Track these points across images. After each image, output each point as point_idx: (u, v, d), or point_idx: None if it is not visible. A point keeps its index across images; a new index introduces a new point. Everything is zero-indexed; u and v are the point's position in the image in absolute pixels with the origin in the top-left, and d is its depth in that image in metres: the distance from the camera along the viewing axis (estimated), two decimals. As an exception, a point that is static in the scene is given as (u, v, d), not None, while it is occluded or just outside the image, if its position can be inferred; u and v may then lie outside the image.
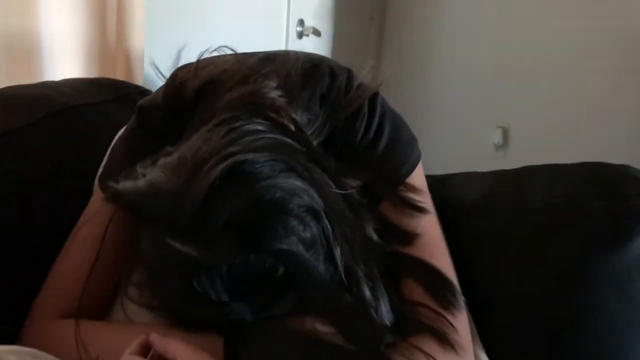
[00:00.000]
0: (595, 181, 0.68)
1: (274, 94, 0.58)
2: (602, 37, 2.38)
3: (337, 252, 0.51)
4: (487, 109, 2.64)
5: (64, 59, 1.02)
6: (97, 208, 0.65)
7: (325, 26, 2.25)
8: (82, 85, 0.91)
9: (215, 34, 1.53)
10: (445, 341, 0.56)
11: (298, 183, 0.49)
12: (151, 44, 1.15)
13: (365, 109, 0.64)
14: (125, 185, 0.51)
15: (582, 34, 2.40)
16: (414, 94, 2.79)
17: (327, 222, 0.50)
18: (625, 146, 2.47)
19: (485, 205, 0.72)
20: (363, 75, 0.66)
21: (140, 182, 0.50)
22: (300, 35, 2.04)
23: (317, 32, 2.06)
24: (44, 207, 0.70)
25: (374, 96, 0.65)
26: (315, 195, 0.50)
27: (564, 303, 0.64)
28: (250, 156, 0.48)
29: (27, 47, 0.98)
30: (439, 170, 2.64)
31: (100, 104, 0.87)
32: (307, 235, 0.49)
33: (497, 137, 2.62)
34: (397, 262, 0.60)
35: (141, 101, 0.68)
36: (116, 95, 0.91)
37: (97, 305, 0.64)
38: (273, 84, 0.59)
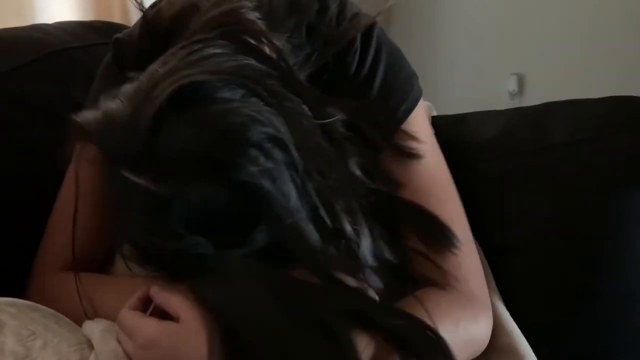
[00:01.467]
0: (621, 115, 0.64)
1: (253, 15, 0.52)
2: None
3: (309, 185, 0.46)
4: (501, 56, 2.57)
5: (58, 1, 0.97)
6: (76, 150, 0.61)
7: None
8: (75, 28, 0.88)
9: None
10: (444, 287, 0.54)
11: (261, 109, 0.45)
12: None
13: (358, 43, 0.59)
14: (84, 116, 0.47)
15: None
16: (426, 42, 2.72)
17: (296, 153, 0.46)
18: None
19: (502, 143, 0.67)
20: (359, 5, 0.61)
21: (98, 112, 0.47)
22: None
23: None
24: (38, 153, 0.68)
25: (370, 28, 0.60)
26: (282, 124, 0.46)
27: (589, 247, 0.60)
28: (206, 77, 0.45)
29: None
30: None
31: (93, 47, 0.83)
32: (271, 166, 0.44)
33: (512, 85, 2.56)
34: (384, 202, 0.55)
35: (118, 34, 0.65)
36: (110, 38, 0.87)
37: (95, 256, 0.61)
38: (252, 4, 0.54)
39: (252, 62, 0.48)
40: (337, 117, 0.51)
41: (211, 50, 0.47)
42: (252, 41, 0.51)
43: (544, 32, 2.46)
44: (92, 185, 0.57)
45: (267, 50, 0.52)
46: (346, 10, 0.60)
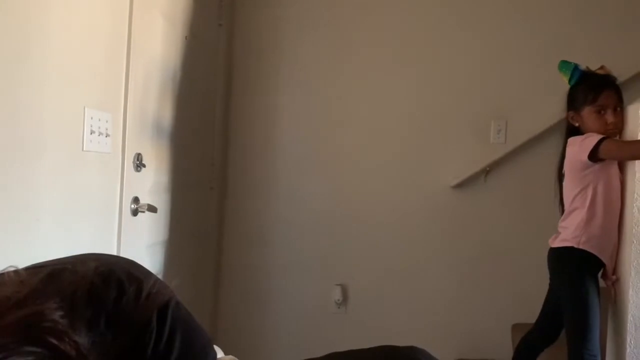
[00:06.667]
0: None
1: (56, 315, 0.56)
2: (414, 199, 2.73)
3: None
4: (326, 268, 2.80)
5: None
6: None
7: (162, 201, 2.29)
8: None
9: (42, 220, 1.49)
10: None
11: None
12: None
13: (154, 322, 0.62)
14: None
15: (402, 198, 2.74)
16: (258, 260, 2.87)
17: None
18: (451, 297, 2.73)
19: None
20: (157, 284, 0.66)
21: None
22: (135, 212, 2.05)
23: (152, 209, 2.09)
24: None
25: (164, 306, 0.64)
26: None
27: None
28: None
29: None
30: (291, 331, 2.66)
31: None
32: None
33: (337, 295, 2.76)
34: None
35: None
36: None
37: None
38: (54, 305, 0.57)
39: None
40: None
41: None
42: (55, 342, 0.53)
43: (361, 249, 2.76)
44: None
45: (69, 348, 0.54)
46: (143, 290, 0.63)
